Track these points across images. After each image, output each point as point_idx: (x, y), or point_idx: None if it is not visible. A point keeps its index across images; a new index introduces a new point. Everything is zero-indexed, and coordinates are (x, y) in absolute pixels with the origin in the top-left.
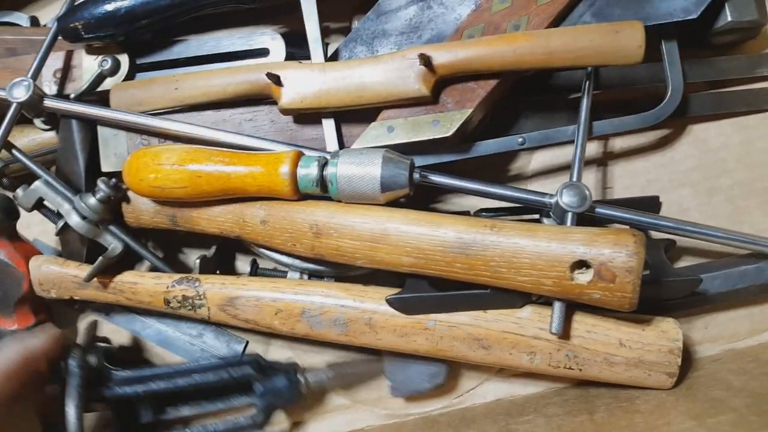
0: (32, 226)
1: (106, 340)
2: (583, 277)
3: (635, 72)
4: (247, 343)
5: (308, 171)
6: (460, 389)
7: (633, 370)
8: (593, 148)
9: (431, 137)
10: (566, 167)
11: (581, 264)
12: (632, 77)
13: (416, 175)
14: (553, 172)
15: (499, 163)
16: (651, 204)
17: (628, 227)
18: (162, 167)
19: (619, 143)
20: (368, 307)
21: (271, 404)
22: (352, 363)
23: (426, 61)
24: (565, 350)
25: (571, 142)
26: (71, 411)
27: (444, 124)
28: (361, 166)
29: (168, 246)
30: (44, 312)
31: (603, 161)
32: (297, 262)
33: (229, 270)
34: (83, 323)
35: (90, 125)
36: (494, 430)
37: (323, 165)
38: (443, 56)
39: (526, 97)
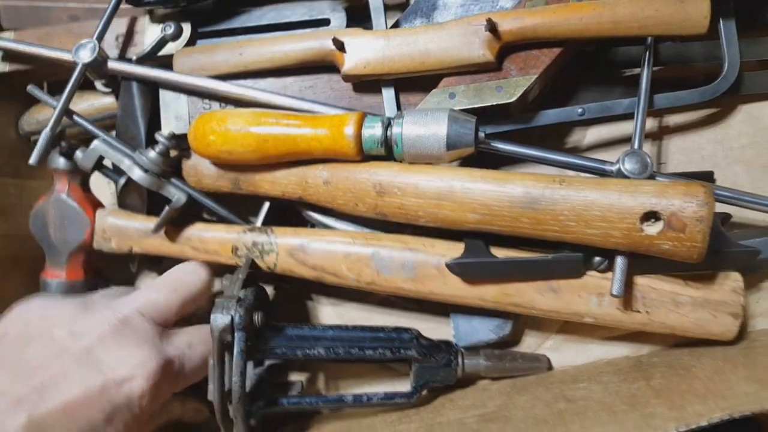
0: None
1: (262, 290)
2: (653, 228)
3: (691, 49)
4: None
5: (373, 131)
6: (523, 347)
7: (699, 311)
8: (649, 124)
9: (494, 103)
10: (621, 141)
11: (651, 215)
12: (688, 55)
13: (481, 134)
14: (608, 146)
15: (554, 136)
16: (705, 179)
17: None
18: (229, 131)
19: (673, 120)
20: (438, 251)
21: (425, 383)
22: (512, 356)
23: (492, 26)
24: (633, 289)
25: (627, 116)
26: (237, 383)
27: (507, 90)
28: (426, 125)
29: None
30: (94, 274)
31: (658, 136)
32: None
33: None
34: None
35: (151, 89)
36: (549, 396)
37: (387, 125)
38: (509, 23)
39: (584, 71)
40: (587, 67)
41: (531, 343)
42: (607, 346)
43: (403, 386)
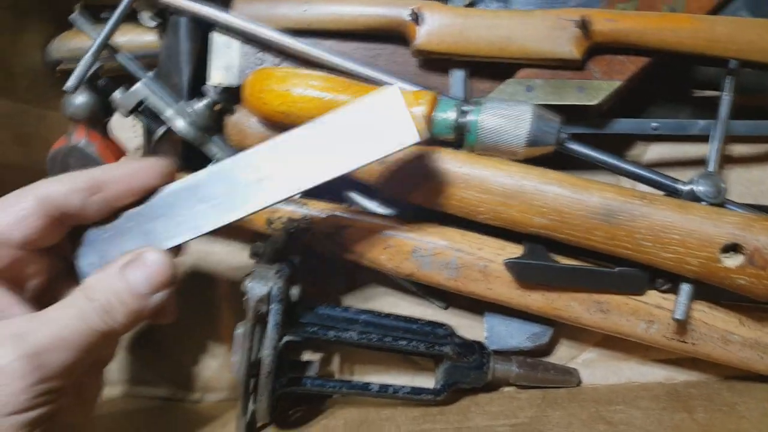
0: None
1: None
2: (732, 261)
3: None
4: None
5: (446, 115)
6: (555, 357)
7: (747, 351)
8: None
9: (575, 103)
10: (682, 163)
11: (731, 248)
12: (763, 83)
13: (563, 135)
14: (668, 165)
15: (614, 148)
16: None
17: None
18: (290, 93)
19: (737, 149)
20: (485, 255)
21: (454, 382)
22: (545, 366)
23: (584, 24)
24: (684, 323)
25: (698, 137)
26: (269, 356)
27: (590, 92)
28: (508, 118)
29: None
30: None
31: (720, 164)
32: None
33: None
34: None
35: (199, 33)
36: (585, 415)
37: (462, 111)
38: (602, 23)
39: (654, 85)
40: (657, 81)
41: (564, 354)
42: (640, 368)
43: (422, 380)
